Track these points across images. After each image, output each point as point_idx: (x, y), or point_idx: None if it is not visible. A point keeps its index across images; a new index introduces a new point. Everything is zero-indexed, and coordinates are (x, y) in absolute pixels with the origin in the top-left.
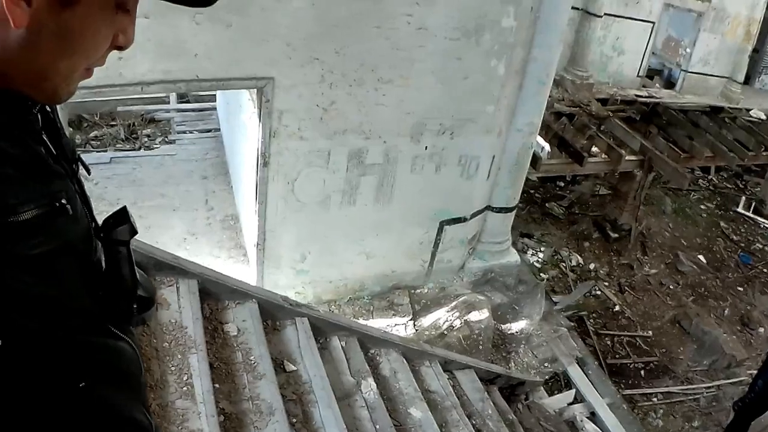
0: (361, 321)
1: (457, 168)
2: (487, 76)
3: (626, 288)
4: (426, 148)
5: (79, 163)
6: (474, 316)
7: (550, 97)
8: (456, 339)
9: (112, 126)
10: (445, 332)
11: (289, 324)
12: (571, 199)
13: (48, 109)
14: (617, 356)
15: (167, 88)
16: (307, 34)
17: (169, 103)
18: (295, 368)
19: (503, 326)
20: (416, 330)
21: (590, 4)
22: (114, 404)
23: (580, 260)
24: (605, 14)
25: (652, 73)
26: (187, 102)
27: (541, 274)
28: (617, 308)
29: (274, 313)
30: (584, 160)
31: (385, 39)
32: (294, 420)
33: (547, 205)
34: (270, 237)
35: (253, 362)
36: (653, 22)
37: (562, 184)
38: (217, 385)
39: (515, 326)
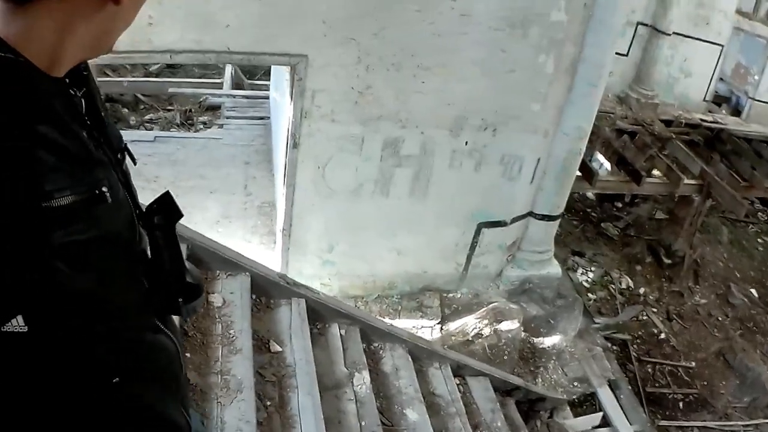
0: (386, 320)
1: (498, 167)
2: (534, 71)
3: (674, 316)
4: (466, 143)
5: (125, 152)
6: (504, 325)
7: (612, 114)
8: (481, 347)
9: (169, 111)
10: (472, 339)
11: (284, 303)
12: (628, 221)
13: (93, 96)
14: (657, 385)
15: (197, 58)
16: (344, 13)
17: (222, 88)
18: (281, 349)
19: (535, 339)
20: (442, 334)
21: (659, 20)
22: (148, 402)
23: (631, 283)
24: (674, 33)
25: (719, 100)
26: (241, 89)
27: (588, 294)
28: (663, 336)
29: (268, 290)
30: (642, 180)
31: (426, 24)
32: (269, 403)
33: (602, 224)
34: (297, 223)
35: (232, 336)
36: (722, 45)
37: (620, 204)
38: (188, 355)
39: (548, 341)
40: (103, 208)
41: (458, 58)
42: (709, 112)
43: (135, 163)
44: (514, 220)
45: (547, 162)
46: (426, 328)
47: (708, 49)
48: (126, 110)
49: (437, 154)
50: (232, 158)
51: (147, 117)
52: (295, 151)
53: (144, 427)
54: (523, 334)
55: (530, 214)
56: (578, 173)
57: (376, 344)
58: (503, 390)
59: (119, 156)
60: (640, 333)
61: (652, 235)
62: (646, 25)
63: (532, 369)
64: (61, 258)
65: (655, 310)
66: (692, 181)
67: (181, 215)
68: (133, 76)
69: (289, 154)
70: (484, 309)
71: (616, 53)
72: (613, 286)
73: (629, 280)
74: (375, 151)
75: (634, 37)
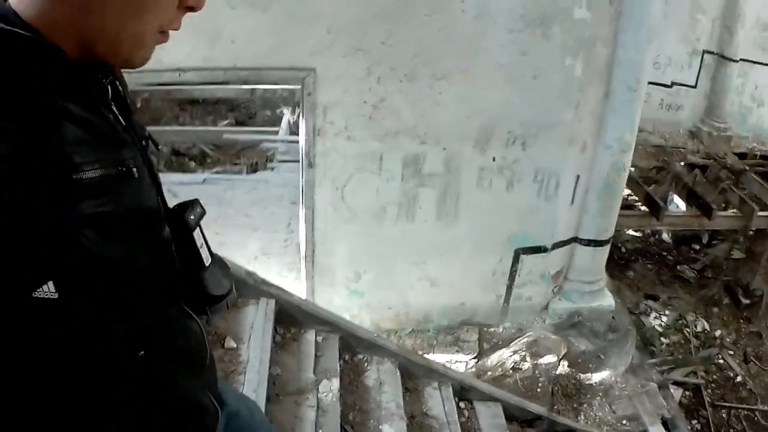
0: (421, 353)
1: (532, 186)
2: (561, 75)
3: (752, 358)
4: (494, 159)
5: (149, 140)
6: (545, 359)
7: (683, 149)
8: (514, 381)
9: (236, 164)
10: (509, 373)
11: (252, 303)
12: (705, 263)
13: (119, 86)
14: (732, 430)
15: (205, 76)
16: (349, 22)
17: (278, 134)
18: (236, 346)
19: (582, 375)
20: (477, 368)
21: (725, 47)
22: (173, 380)
23: (707, 326)
24: (741, 59)
25: None
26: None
27: (662, 338)
28: (739, 379)
29: (238, 288)
30: (713, 213)
31: (437, 28)
32: None
33: (678, 267)
34: (320, 249)
35: None
36: None
37: (698, 247)
38: None
39: (596, 377)
40: (130, 184)
41: (476, 64)
42: None
43: (158, 149)
44: (556, 246)
45: (589, 179)
46: (461, 363)
47: None
48: (193, 163)
49: (463, 172)
50: (279, 198)
51: (214, 170)
52: (311, 171)
53: (169, 405)
54: (567, 369)
55: (575, 239)
56: (644, 209)
57: (361, 356)
58: (522, 419)
59: (143, 143)
60: (715, 377)
61: (730, 276)
62: (712, 53)
63: (575, 406)
64: (90, 226)
65: (731, 352)
66: (767, 214)
67: (204, 213)
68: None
69: (305, 174)
70: (520, 341)
71: (684, 85)
72: (687, 329)
73: (705, 323)
74: (396, 169)
75: (701, 66)
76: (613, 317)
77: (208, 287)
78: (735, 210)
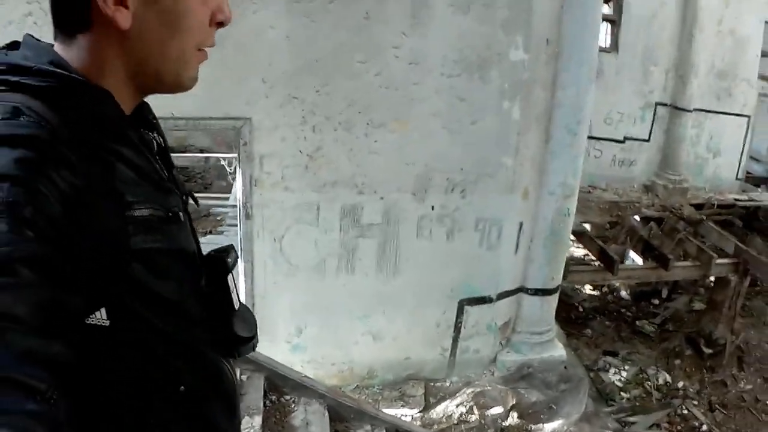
0: None
1: (474, 234)
2: (499, 120)
3: (717, 406)
4: (433, 207)
5: (189, 196)
6: (492, 410)
7: (638, 203)
8: None
9: None
10: (455, 425)
11: None
12: (665, 316)
13: (162, 141)
14: None
15: None
16: (283, 70)
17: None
18: None
19: (533, 426)
20: (423, 422)
21: (678, 98)
22: (212, 419)
23: (668, 379)
24: (695, 109)
25: (757, 181)
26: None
27: (621, 393)
28: (704, 428)
29: None
30: (669, 264)
31: (372, 75)
32: None
33: (637, 323)
34: (260, 303)
35: None
36: (748, 116)
37: (657, 301)
38: None
39: (548, 427)
40: (177, 227)
41: (413, 112)
42: (743, 192)
43: (198, 205)
44: (502, 296)
45: (534, 227)
46: (406, 417)
47: (734, 123)
48: None
49: (402, 222)
50: None
51: None
52: (249, 223)
53: None
54: (518, 420)
55: (521, 289)
56: (599, 263)
57: (288, 396)
58: None
59: (184, 197)
60: (679, 428)
61: (691, 327)
62: (665, 104)
63: None
64: (140, 261)
65: (695, 402)
66: (726, 260)
67: (229, 269)
68: None
69: (243, 226)
70: (466, 392)
71: (637, 139)
72: (648, 383)
73: (667, 375)
74: (334, 220)
75: (654, 119)
76: (565, 367)
77: (237, 330)
78: (693, 260)
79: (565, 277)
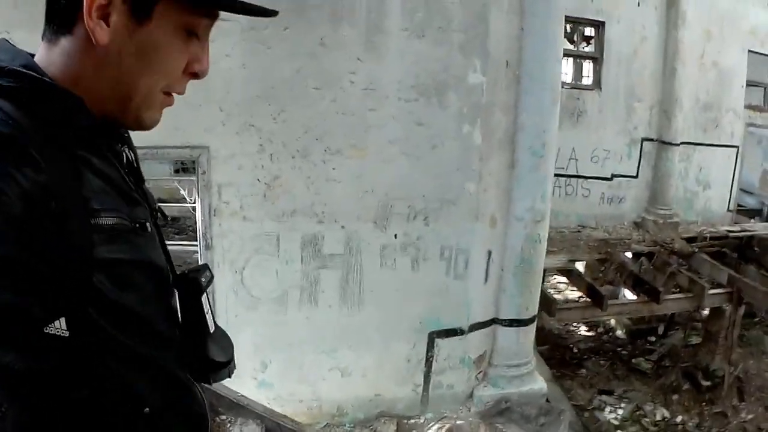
0: None
1: (439, 263)
2: (460, 145)
3: None
4: (395, 236)
5: (157, 211)
6: None
7: (628, 240)
8: None
9: None
10: None
11: None
12: (661, 352)
13: (131, 154)
14: None
15: None
16: (240, 98)
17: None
18: None
19: None
20: None
21: (664, 132)
22: None
23: (666, 414)
24: (682, 143)
25: (750, 214)
26: None
27: (618, 431)
28: None
29: None
30: (660, 297)
31: (328, 102)
32: None
33: (633, 360)
34: None
35: None
36: (737, 147)
37: (653, 338)
38: None
39: None
40: (144, 238)
41: (371, 138)
42: (736, 224)
43: (166, 220)
44: (474, 327)
45: (503, 256)
46: None
47: (723, 154)
48: None
49: (364, 252)
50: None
51: None
52: (209, 254)
53: None
54: None
55: (495, 320)
56: (587, 299)
57: (224, 416)
58: None
59: (153, 212)
60: None
61: (688, 361)
62: (651, 140)
63: None
64: (103, 272)
65: None
66: (719, 290)
67: (202, 289)
68: None
69: (203, 257)
70: (436, 426)
71: (625, 176)
72: (646, 419)
73: (664, 411)
74: (294, 251)
75: (641, 155)
76: (547, 400)
77: (212, 354)
78: (685, 292)
79: (553, 315)
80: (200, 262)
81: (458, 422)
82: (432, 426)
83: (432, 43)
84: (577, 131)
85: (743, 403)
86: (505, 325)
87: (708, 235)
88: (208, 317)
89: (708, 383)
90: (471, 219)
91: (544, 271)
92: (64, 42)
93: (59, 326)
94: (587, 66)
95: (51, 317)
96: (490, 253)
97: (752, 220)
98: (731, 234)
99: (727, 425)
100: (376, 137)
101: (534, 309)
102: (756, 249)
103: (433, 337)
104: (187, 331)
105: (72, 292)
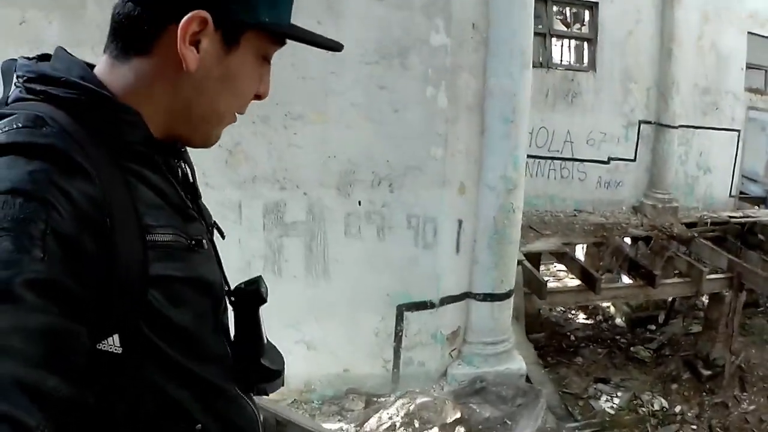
0: None
1: (406, 232)
2: (424, 109)
3: (718, 429)
4: (360, 203)
5: (214, 227)
6: (434, 425)
7: (625, 224)
8: None
9: None
10: None
11: None
12: (662, 341)
13: (188, 171)
14: None
15: None
16: None
17: None
18: None
19: None
20: None
21: (662, 115)
22: None
23: (665, 404)
24: (681, 126)
25: (755, 202)
26: None
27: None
28: None
29: None
30: (656, 280)
31: (288, 66)
32: None
33: (632, 349)
34: None
35: None
36: (738, 131)
37: (653, 327)
38: None
39: None
40: (200, 255)
41: (332, 102)
42: (738, 209)
43: (223, 238)
44: (446, 301)
45: (476, 226)
46: None
47: (724, 138)
48: None
49: (328, 220)
50: None
51: None
52: None
53: None
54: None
55: (468, 294)
56: (580, 282)
57: None
58: None
59: (209, 228)
60: None
61: (689, 350)
62: (649, 122)
63: None
64: (158, 288)
65: (694, 427)
66: (718, 275)
67: (264, 300)
68: None
69: None
70: (402, 403)
71: (623, 159)
72: (643, 409)
73: (663, 400)
74: (257, 219)
75: (638, 138)
76: (529, 380)
77: (267, 363)
78: (683, 276)
79: (543, 298)
80: None
81: (423, 399)
82: (395, 402)
83: (393, 4)
84: (571, 113)
85: (745, 394)
86: (479, 300)
87: (709, 220)
88: (263, 328)
89: (709, 372)
90: (438, 185)
91: (539, 255)
92: (138, 62)
93: (113, 342)
94: (582, 47)
95: (105, 334)
96: (460, 222)
97: (756, 208)
98: (733, 219)
99: (728, 416)
100: (338, 102)
101: (510, 283)
102: (759, 236)
103: (402, 310)
104: (243, 343)
105: (126, 309)
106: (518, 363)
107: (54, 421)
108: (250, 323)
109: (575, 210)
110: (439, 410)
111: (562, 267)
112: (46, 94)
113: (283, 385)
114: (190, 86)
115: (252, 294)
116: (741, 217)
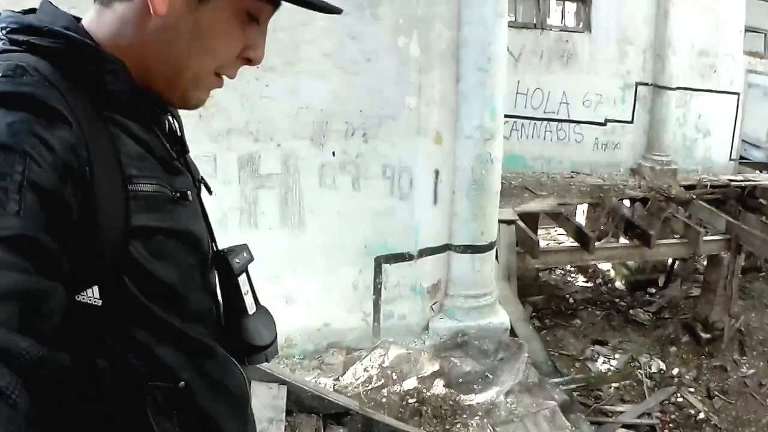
0: None
1: (382, 183)
2: (396, 58)
3: (716, 393)
4: (333, 154)
5: (201, 183)
6: (411, 377)
7: (623, 185)
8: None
9: None
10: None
11: None
12: (661, 304)
13: (175, 124)
14: None
15: None
16: None
17: None
18: None
19: (464, 396)
20: (336, 388)
21: (659, 76)
22: (215, 421)
23: (662, 366)
24: (678, 88)
25: (758, 167)
26: None
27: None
28: (702, 416)
29: None
30: (651, 241)
31: None
32: None
33: (631, 311)
34: None
35: None
36: (737, 93)
37: (653, 290)
38: None
39: (480, 397)
40: (184, 207)
41: (304, 53)
42: (739, 174)
43: (210, 193)
44: (425, 253)
45: (454, 177)
46: (322, 385)
47: (723, 101)
48: None
49: (303, 171)
50: None
51: None
52: None
53: None
54: (445, 390)
55: (448, 246)
56: (574, 242)
57: None
58: (326, 413)
59: (196, 183)
60: (673, 416)
61: (688, 314)
62: (646, 84)
63: (447, 428)
64: (140, 239)
65: (692, 389)
66: (716, 237)
67: (235, 273)
68: None
69: None
70: (377, 354)
71: (620, 121)
72: (640, 371)
73: (660, 363)
74: (232, 171)
75: (635, 100)
76: (515, 335)
77: (248, 336)
78: (680, 237)
79: (536, 257)
80: None
81: (399, 351)
82: (370, 354)
83: None
84: (567, 74)
85: (744, 357)
86: (460, 252)
87: (708, 183)
88: (247, 298)
89: (707, 335)
90: (412, 135)
91: (536, 217)
92: (120, 7)
93: (92, 295)
94: (575, 7)
95: (84, 285)
96: (437, 172)
97: (757, 172)
98: (733, 183)
99: (726, 380)
100: (309, 52)
101: (491, 235)
102: (760, 199)
103: (380, 261)
104: (225, 309)
105: (106, 261)
106: (501, 317)
107: (26, 382)
108: (231, 291)
109: (572, 171)
110: (415, 362)
111: (562, 231)
112: (29, 44)
113: (267, 360)
114: (163, 36)
115: (225, 262)
116: (741, 181)
